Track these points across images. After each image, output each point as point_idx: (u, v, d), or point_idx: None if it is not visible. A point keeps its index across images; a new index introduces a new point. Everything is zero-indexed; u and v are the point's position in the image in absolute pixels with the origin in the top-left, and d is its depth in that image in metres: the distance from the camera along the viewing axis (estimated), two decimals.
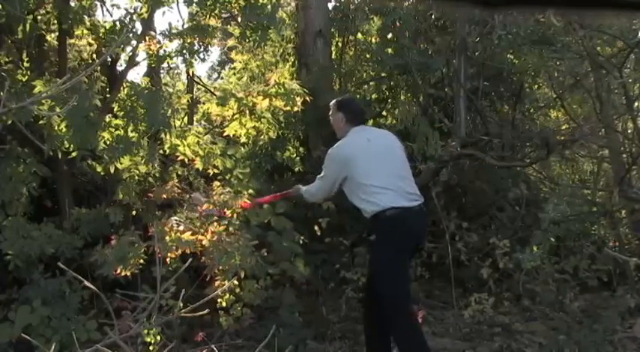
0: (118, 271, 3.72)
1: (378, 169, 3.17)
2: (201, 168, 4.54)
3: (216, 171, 4.56)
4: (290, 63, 6.82)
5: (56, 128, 3.98)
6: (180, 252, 3.79)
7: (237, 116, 4.80)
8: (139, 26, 4.51)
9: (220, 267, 3.86)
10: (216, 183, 4.37)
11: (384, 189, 3.12)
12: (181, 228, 3.89)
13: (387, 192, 3.12)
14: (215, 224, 4.07)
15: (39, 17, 4.66)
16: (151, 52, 4.57)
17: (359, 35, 7.21)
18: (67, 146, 4.06)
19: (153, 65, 5.10)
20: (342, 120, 3.39)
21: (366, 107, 6.42)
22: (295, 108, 4.86)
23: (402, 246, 3.15)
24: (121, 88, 4.55)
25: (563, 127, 6.23)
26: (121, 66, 5.12)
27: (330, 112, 3.49)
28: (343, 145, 3.31)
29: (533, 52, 5.33)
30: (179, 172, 4.65)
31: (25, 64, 4.81)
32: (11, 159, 4.26)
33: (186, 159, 4.53)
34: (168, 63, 4.80)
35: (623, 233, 5.44)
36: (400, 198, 3.13)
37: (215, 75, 11.64)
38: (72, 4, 4.53)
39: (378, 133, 3.48)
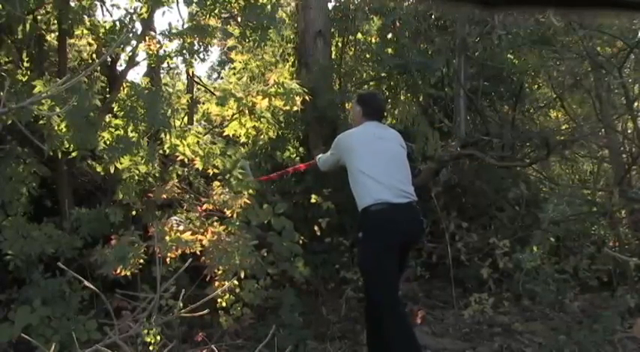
0: (118, 271, 3.72)
1: (375, 162, 3.28)
2: (201, 168, 4.54)
3: (216, 171, 4.56)
4: (290, 63, 6.82)
5: (56, 128, 3.98)
6: (180, 251, 3.79)
7: (236, 116, 4.81)
8: (138, 26, 4.51)
9: (220, 267, 3.86)
10: (216, 183, 4.38)
11: (375, 181, 3.20)
12: (181, 227, 3.89)
13: (378, 185, 3.19)
14: (215, 224, 4.08)
15: (39, 17, 4.66)
16: (150, 52, 4.57)
17: (359, 35, 7.21)
18: (67, 146, 4.06)
19: (153, 65, 5.10)
20: (360, 113, 3.58)
21: None
22: (295, 108, 4.86)
23: (387, 243, 3.16)
24: (121, 88, 4.55)
25: (563, 127, 6.23)
26: (120, 66, 5.12)
27: (352, 103, 3.82)
28: (350, 134, 3.53)
29: (533, 52, 5.33)
30: (179, 172, 4.65)
31: (25, 64, 4.81)
32: (11, 159, 4.26)
33: (186, 159, 4.53)
34: (168, 63, 4.79)
35: (623, 233, 5.44)
36: (389, 193, 3.18)
37: (215, 75, 11.65)
38: (72, 4, 4.53)
39: (386, 132, 3.56)
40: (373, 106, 3.60)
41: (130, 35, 4.37)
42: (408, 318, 3.30)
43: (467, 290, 4.91)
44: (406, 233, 3.30)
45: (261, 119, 4.88)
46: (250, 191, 4.39)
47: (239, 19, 5.08)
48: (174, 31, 4.53)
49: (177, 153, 4.48)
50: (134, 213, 4.34)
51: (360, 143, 3.38)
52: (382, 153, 3.33)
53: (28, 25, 4.41)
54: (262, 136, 5.34)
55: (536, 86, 6.50)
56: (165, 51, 4.59)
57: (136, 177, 4.37)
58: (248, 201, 4.19)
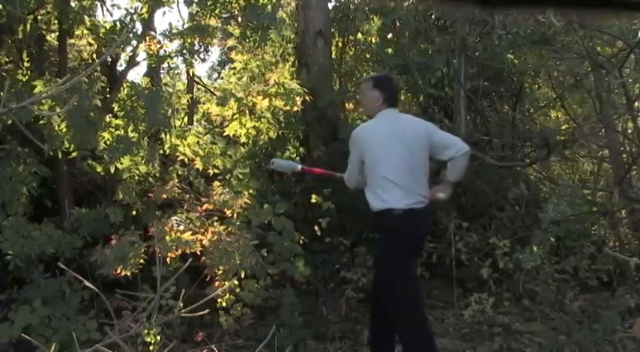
0: (118, 271, 3.72)
1: (392, 162, 3.08)
2: (201, 168, 4.55)
3: (216, 171, 4.56)
4: (290, 63, 6.82)
5: (56, 128, 3.98)
6: (180, 251, 3.79)
7: (237, 116, 4.81)
8: (139, 26, 4.52)
9: (220, 267, 3.86)
10: (217, 183, 4.38)
11: (393, 185, 3.05)
12: (181, 227, 3.90)
13: (396, 188, 3.05)
14: (215, 224, 4.08)
15: (39, 17, 4.66)
16: (151, 52, 4.57)
17: (359, 35, 7.22)
18: (67, 146, 4.06)
19: (153, 65, 5.10)
20: (379, 99, 3.20)
21: None
22: (295, 108, 4.87)
23: (407, 247, 3.13)
24: (121, 88, 4.55)
25: (563, 127, 6.22)
26: (121, 66, 5.13)
27: (363, 88, 3.31)
28: (366, 127, 3.21)
29: (533, 52, 5.34)
30: (179, 172, 4.66)
31: (26, 64, 4.81)
32: (11, 159, 4.26)
33: (186, 159, 4.54)
34: (168, 63, 4.80)
35: (623, 233, 5.44)
36: (408, 197, 3.06)
37: (215, 75, 11.64)
38: (72, 4, 4.53)
39: (406, 123, 3.24)
40: (392, 91, 3.26)
41: (131, 35, 4.37)
42: (427, 322, 3.24)
43: (467, 290, 4.91)
44: (422, 237, 3.29)
45: (262, 119, 4.89)
46: (250, 191, 4.39)
47: (239, 19, 5.09)
48: (174, 31, 4.53)
49: (177, 153, 4.48)
50: (134, 213, 4.35)
51: (381, 142, 3.11)
52: (404, 155, 3.10)
53: (28, 25, 4.41)
54: (262, 136, 5.34)
55: (536, 86, 6.50)
56: (165, 51, 4.59)
57: (136, 177, 4.38)
58: (248, 201, 4.20)
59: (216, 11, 4.65)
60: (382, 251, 3.17)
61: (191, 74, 6.44)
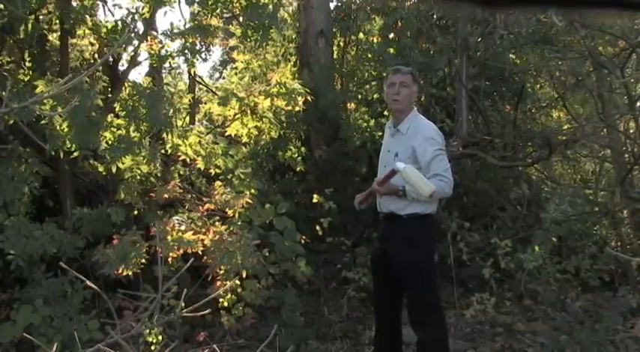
0: (120, 271, 3.72)
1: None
2: (202, 168, 4.55)
3: (217, 170, 4.56)
4: (292, 63, 6.82)
5: (58, 128, 3.99)
6: (181, 251, 3.79)
7: (238, 116, 4.81)
8: (140, 26, 4.52)
9: (222, 267, 3.86)
10: (218, 183, 4.38)
11: None
12: (183, 227, 3.90)
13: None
14: (217, 224, 4.08)
15: (41, 17, 4.66)
16: (152, 52, 4.57)
17: (360, 35, 7.20)
18: (68, 146, 4.06)
19: (154, 65, 5.09)
20: (416, 95, 3.10)
21: (367, 107, 6.44)
22: (297, 108, 4.87)
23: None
24: (123, 88, 4.55)
25: (565, 127, 6.21)
26: (122, 66, 5.12)
27: (407, 80, 3.03)
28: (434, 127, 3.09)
29: (535, 52, 5.33)
30: (181, 172, 4.66)
31: (27, 64, 4.81)
32: (13, 158, 4.26)
33: (187, 159, 4.54)
34: (169, 63, 4.80)
35: (625, 233, 5.44)
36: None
37: (217, 75, 11.66)
38: (74, 3, 4.53)
39: None
40: None
41: (132, 35, 4.37)
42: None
43: (468, 290, 4.91)
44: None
45: (263, 119, 4.89)
46: (252, 191, 4.40)
47: (241, 19, 5.09)
48: (175, 30, 4.53)
49: (179, 153, 4.48)
50: (136, 212, 4.35)
51: None
52: None
53: (30, 25, 4.42)
54: (264, 136, 5.34)
55: (538, 86, 6.49)
56: (167, 51, 4.59)
57: (138, 177, 4.38)
58: (250, 201, 4.20)
59: (218, 11, 4.65)
60: (417, 254, 3.04)
61: (193, 74, 6.44)
